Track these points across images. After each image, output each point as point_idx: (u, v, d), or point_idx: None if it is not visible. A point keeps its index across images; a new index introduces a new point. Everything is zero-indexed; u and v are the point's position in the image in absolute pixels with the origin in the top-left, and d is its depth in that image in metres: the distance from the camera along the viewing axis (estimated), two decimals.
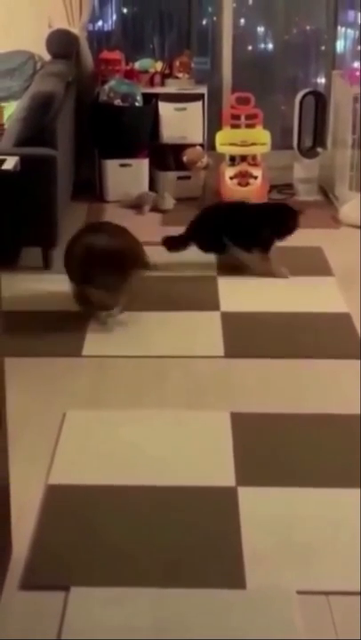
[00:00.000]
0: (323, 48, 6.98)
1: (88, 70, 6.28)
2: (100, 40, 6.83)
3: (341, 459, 3.14)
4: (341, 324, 4.27)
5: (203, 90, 6.32)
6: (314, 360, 3.92)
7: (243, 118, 6.26)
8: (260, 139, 6.11)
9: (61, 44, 6.07)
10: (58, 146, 4.87)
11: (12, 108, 5.44)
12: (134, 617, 2.40)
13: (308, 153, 6.35)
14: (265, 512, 2.85)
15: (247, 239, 4.83)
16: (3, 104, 5.78)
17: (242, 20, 7.03)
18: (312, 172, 6.34)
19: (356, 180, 5.95)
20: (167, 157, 6.26)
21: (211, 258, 4.94)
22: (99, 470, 3.06)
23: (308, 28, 7.16)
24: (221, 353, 3.98)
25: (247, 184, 5.92)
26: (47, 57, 6.07)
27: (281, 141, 6.59)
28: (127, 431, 3.33)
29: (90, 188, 6.17)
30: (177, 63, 6.38)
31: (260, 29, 7.18)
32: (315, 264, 5.03)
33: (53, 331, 4.17)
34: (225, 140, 6.11)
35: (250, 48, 7.14)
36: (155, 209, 5.91)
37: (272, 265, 4.82)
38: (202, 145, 6.26)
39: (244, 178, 5.98)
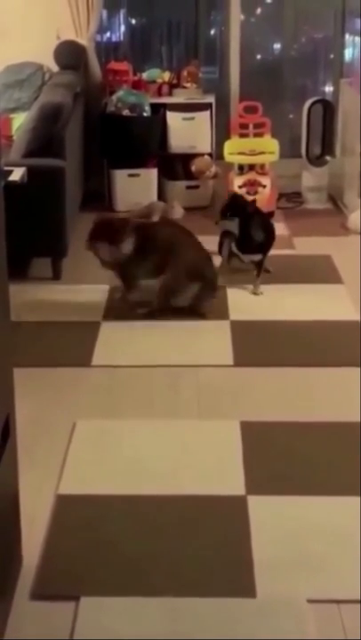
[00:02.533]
0: (331, 56, 6.99)
1: (96, 81, 6.30)
2: (108, 51, 6.86)
3: (352, 467, 3.12)
4: (351, 331, 4.26)
5: (211, 99, 6.33)
6: (324, 368, 3.91)
7: (251, 127, 6.27)
8: (268, 147, 6.11)
9: (69, 55, 6.10)
10: (66, 156, 4.89)
11: (21, 119, 5.46)
12: (144, 627, 2.40)
13: (317, 161, 6.36)
14: (275, 520, 2.84)
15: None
16: (12, 115, 5.82)
17: (250, 30, 7.04)
18: (321, 180, 6.34)
19: None
20: (176, 167, 6.27)
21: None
22: (109, 480, 3.06)
23: (316, 36, 7.17)
24: (231, 362, 3.97)
25: (256, 193, 5.91)
26: (55, 68, 6.10)
27: (289, 150, 6.59)
28: (137, 441, 3.33)
29: (99, 198, 6.18)
30: (185, 73, 6.40)
31: (268, 38, 7.19)
32: (324, 272, 5.02)
33: (63, 341, 4.18)
34: (233, 149, 6.11)
35: (258, 57, 7.15)
36: (164, 218, 5.91)
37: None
38: (210, 154, 6.28)
39: (252, 187, 5.98)
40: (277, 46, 7.16)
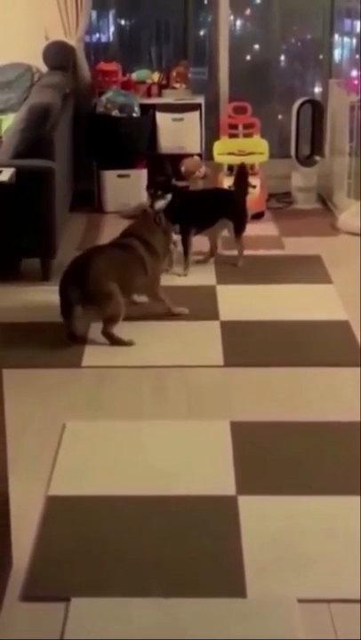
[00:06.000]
0: (321, 57, 7.00)
1: (85, 82, 6.30)
2: (97, 51, 6.85)
3: (341, 466, 3.13)
4: (341, 331, 4.27)
5: (200, 100, 6.34)
6: (313, 368, 3.91)
7: (240, 128, 6.28)
8: (257, 148, 6.12)
9: (58, 55, 6.09)
10: (55, 157, 4.88)
11: (9, 121, 5.45)
12: (135, 627, 2.40)
13: (306, 161, 6.36)
14: (265, 520, 2.84)
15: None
16: (1, 116, 5.80)
17: (239, 30, 7.05)
18: (310, 180, 6.35)
19: (355, 187, 5.96)
20: (165, 168, 6.26)
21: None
22: (98, 481, 3.06)
23: (305, 37, 7.18)
24: (221, 362, 3.97)
25: (247, 193, 5.91)
26: (44, 69, 6.09)
27: (279, 150, 6.60)
28: (127, 442, 3.32)
29: (88, 199, 6.18)
30: (174, 73, 6.40)
31: (257, 39, 7.19)
32: (314, 272, 5.03)
33: (53, 342, 4.17)
34: (223, 149, 6.12)
35: (247, 58, 7.15)
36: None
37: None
38: (200, 155, 6.28)
39: None
40: (267, 47, 7.16)
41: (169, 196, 4.97)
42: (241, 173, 5.28)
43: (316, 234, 5.72)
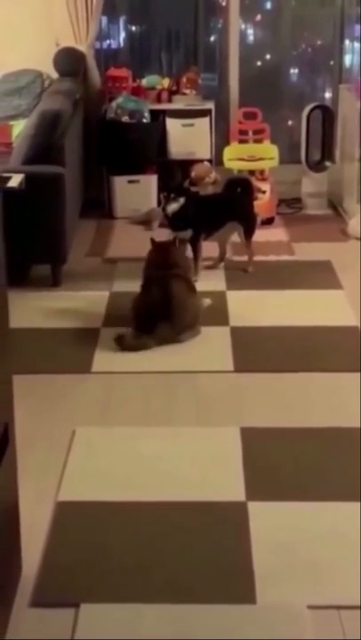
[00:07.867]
0: (331, 62, 6.99)
1: (95, 88, 6.31)
2: (107, 57, 6.86)
3: (352, 472, 3.12)
4: (351, 337, 4.26)
5: (210, 105, 6.34)
6: (323, 374, 3.91)
7: (250, 133, 6.28)
8: (267, 153, 6.12)
9: (69, 62, 6.11)
10: (66, 163, 4.89)
11: (20, 127, 5.47)
12: (144, 633, 2.39)
13: (317, 167, 6.36)
14: (275, 527, 2.84)
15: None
16: (11, 122, 5.83)
17: (249, 36, 7.05)
18: (320, 185, 6.34)
19: None
20: (175, 173, 6.27)
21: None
22: (108, 487, 3.06)
23: (315, 42, 7.17)
24: (231, 368, 3.97)
25: (255, 199, 5.92)
26: (55, 75, 6.11)
27: (289, 156, 6.59)
28: (136, 447, 3.32)
29: (99, 204, 6.19)
30: (184, 79, 6.41)
31: (268, 45, 7.19)
32: (324, 278, 5.02)
33: (62, 348, 4.18)
34: (233, 155, 6.12)
35: (257, 63, 7.15)
36: (164, 225, 5.91)
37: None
38: (210, 160, 6.28)
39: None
40: (277, 53, 7.16)
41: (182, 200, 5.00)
42: (242, 184, 5.31)
43: (326, 239, 5.71)
